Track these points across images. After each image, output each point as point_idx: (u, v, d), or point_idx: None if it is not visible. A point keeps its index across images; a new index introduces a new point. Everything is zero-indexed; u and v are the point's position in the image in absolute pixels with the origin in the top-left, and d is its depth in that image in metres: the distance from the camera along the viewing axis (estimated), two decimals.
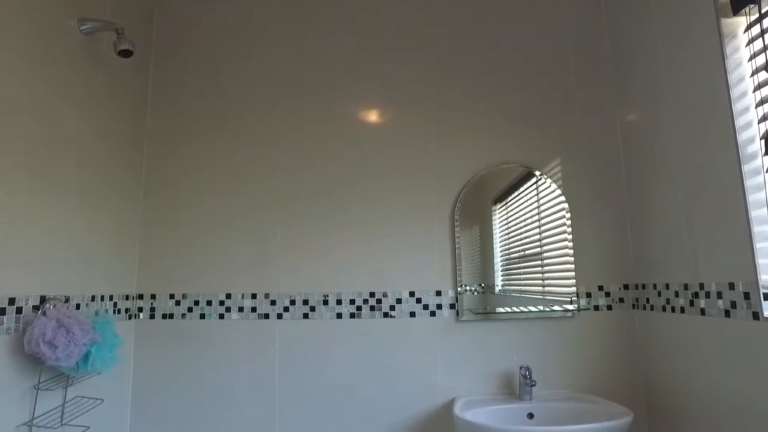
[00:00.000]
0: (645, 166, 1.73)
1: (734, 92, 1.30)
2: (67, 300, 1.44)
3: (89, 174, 1.59)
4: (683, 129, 1.51)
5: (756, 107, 1.25)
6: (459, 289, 1.80)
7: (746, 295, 1.25)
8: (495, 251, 1.83)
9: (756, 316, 1.22)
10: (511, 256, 1.83)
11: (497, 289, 1.81)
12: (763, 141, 1.22)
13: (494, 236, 1.84)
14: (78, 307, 1.50)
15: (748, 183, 1.26)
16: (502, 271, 1.82)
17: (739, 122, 1.29)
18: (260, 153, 1.91)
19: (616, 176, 1.88)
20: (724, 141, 1.32)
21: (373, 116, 1.93)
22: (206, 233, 1.87)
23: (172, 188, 1.90)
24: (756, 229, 1.24)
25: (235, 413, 1.76)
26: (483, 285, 1.81)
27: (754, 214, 1.25)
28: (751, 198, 1.25)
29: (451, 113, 1.91)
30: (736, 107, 1.29)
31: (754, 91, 1.26)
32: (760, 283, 1.21)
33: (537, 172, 1.86)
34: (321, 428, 1.75)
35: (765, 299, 1.20)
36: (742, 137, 1.28)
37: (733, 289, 1.30)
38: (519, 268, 1.83)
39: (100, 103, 1.65)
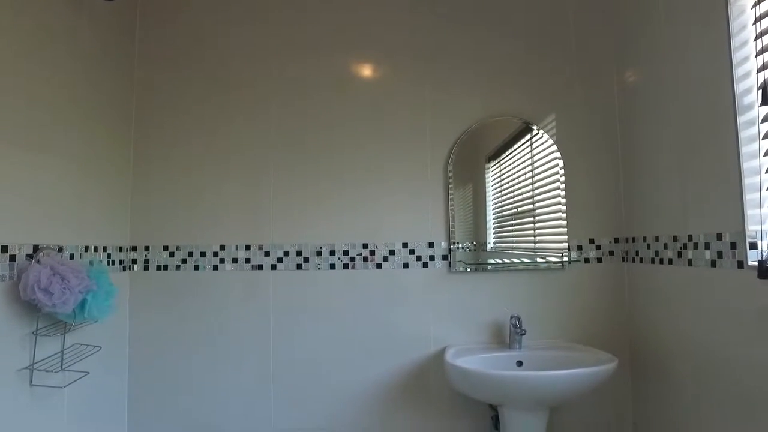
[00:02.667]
0: (640, 121, 1.72)
1: (735, 41, 1.27)
2: (60, 249, 1.44)
3: (78, 125, 1.56)
4: (681, 83, 1.49)
5: (756, 56, 1.23)
6: (452, 242, 1.82)
7: (733, 245, 1.27)
8: (488, 209, 1.84)
9: (741, 265, 1.24)
10: (504, 213, 1.84)
11: (489, 246, 1.83)
12: (760, 91, 1.21)
13: (487, 194, 1.85)
14: (72, 257, 1.51)
15: (743, 135, 1.26)
16: (494, 228, 1.84)
17: (737, 72, 1.27)
18: (253, 105, 1.87)
19: (611, 131, 1.87)
20: (722, 92, 1.30)
21: (366, 68, 1.89)
22: (200, 185, 1.85)
23: (163, 141, 1.87)
24: (747, 180, 1.25)
25: (232, 362, 1.80)
26: (475, 242, 1.83)
27: (746, 165, 1.25)
28: (745, 150, 1.25)
29: (446, 65, 1.87)
30: (736, 57, 1.27)
31: (755, 39, 1.23)
32: (747, 233, 1.23)
33: (534, 126, 1.84)
34: (314, 377, 1.80)
35: (751, 248, 1.22)
36: (739, 87, 1.27)
37: (721, 240, 1.32)
38: (511, 225, 1.84)
39: (85, 51, 1.60)
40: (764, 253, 1.21)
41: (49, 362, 1.37)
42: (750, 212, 1.24)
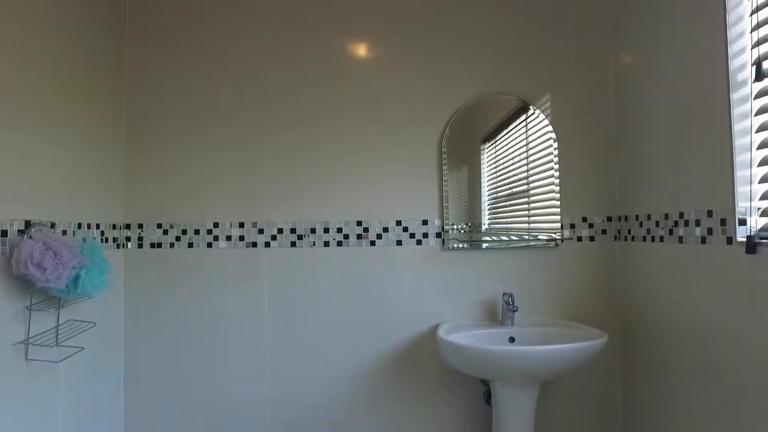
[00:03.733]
0: (635, 100, 1.72)
1: (731, 17, 1.27)
2: (52, 226, 1.44)
3: (70, 104, 1.56)
4: (677, 63, 1.48)
5: (751, 32, 1.22)
6: (445, 220, 1.82)
7: (723, 222, 1.28)
8: (483, 191, 1.84)
9: (730, 240, 1.26)
10: (498, 195, 1.84)
11: (484, 227, 1.84)
12: (754, 67, 1.21)
13: (482, 176, 1.84)
14: (64, 233, 1.50)
15: (735, 112, 1.26)
16: (489, 210, 1.84)
17: (732, 49, 1.27)
18: (246, 81, 1.85)
19: (606, 111, 1.86)
20: (716, 70, 1.30)
21: (362, 44, 1.87)
22: (193, 162, 1.85)
23: (155, 118, 1.86)
24: (738, 157, 1.25)
25: (226, 338, 1.82)
26: (470, 224, 1.84)
27: (738, 143, 1.25)
28: (737, 127, 1.26)
29: (441, 43, 1.85)
30: (731, 33, 1.26)
31: (750, 14, 1.23)
32: (737, 210, 1.24)
33: (530, 106, 1.83)
34: (308, 353, 1.82)
35: (740, 225, 1.24)
36: (734, 64, 1.26)
37: (711, 217, 1.33)
38: (506, 206, 1.85)
39: (76, 28, 1.58)
40: (753, 229, 1.22)
41: (43, 337, 1.38)
42: (740, 189, 1.25)
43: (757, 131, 1.21)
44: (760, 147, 1.21)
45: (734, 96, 1.26)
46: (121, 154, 1.85)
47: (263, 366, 1.82)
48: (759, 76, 1.18)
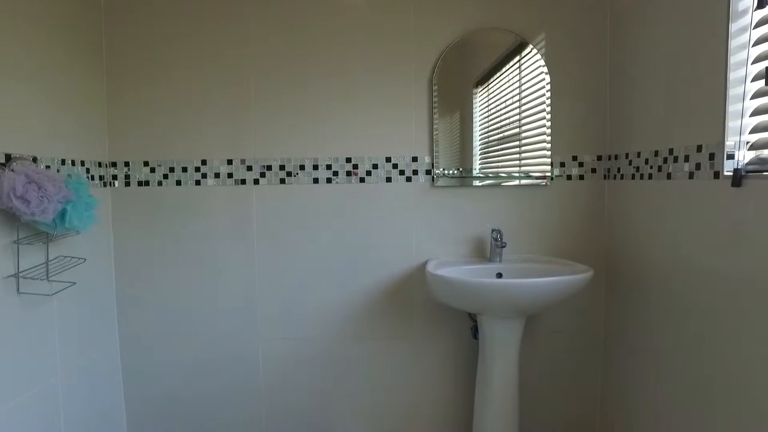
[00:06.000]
0: (631, 37, 1.66)
1: None
2: (35, 160, 1.41)
3: (45, 44, 1.49)
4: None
5: None
6: (435, 159, 1.81)
7: (711, 156, 1.28)
8: (474, 136, 1.82)
9: (717, 175, 1.26)
10: (490, 139, 1.82)
11: (475, 172, 1.83)
12: None
13: (474, 121, 1.81)
14: (48, 168, 1.48)
15: (733, 44, 1.23)
16: (480, 154, 1.82)
17: None
18: (233, 17, 1.77)
19: (601, 48, 1.80)
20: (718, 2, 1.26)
21: None
22: (179, 99, 1.79)
23: (137, 55, 1.78)
24: (731, 91, 1.23)
25: (217, 274, 1.85)
26: (461, 169, 1.83)
27: (733, 76, 1.23)
28: (733, 59, 1.23)
29: None
30: None
31: None
32: (726, 143, 1.24)
33: (529, 44, 1.77)
34: (299, 289, 1.85)
35: (728, 159, 1.24)
36: None
37: (701, 152, 1.33)
38: (497, 150, 1.83)
39: None
40: (740, 163, 1.22)
41: (34, 272, 1.39)
42: (731, 124, 1.24)
43: (753, 62, 1.19)
44: (754, 79, 1.19)
45: (734, 27, 1.22)
46: (104, 91, 1.79)
47: (254, 301, 1.85)
48: (762, 2, 1.14)
